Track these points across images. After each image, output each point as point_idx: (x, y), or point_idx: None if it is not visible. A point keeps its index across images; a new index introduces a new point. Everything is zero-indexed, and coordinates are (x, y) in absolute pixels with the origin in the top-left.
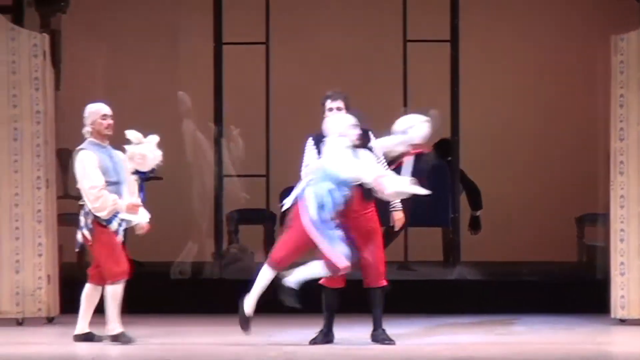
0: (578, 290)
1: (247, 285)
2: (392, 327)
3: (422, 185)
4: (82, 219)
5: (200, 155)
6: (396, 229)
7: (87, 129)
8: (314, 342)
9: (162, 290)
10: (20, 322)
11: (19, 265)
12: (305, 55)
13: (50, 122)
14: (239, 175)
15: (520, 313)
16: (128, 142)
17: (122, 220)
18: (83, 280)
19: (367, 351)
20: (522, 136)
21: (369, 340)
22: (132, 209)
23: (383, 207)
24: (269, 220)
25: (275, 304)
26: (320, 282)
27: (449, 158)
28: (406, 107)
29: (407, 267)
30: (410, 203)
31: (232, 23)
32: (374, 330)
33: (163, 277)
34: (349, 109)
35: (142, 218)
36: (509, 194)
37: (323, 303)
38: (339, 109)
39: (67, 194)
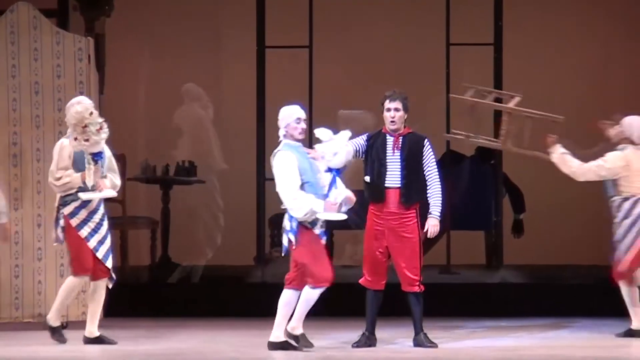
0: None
1: None
2: (434, 331)
3: (463, 188)
4: (286, 222)
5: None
6: (429, 235)
7: (282, 132)
8: (356, 345)
9: (204, 294)
10: (64, 326)
11: (63, 268)
12: (347, 58)
13: None
14: None
15: (564, 316)
16: (316, 140)
17: (323, 221)
18: (127, 284)
19: (409, 355)
20: (564, 138)
21: (411, 344)
22: (330, 208)
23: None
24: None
25: (320, 308)
26: (362, 284)
27: (492, 161)
28: (449, 111)
29: (448, 270)
30: (454, 207)
31: (275, 26)
32: (416, 334)
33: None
34: (407, 110)
35: (338, 217)
36: (551, 196)
37: (367, 305)
38: (396, 109)
39: (111, 198)
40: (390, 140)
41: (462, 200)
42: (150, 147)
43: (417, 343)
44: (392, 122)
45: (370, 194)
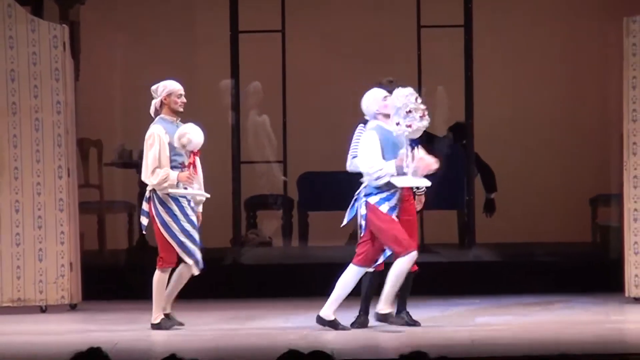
0: (592, 270)
1: (264, 271)
2: (410, 309)
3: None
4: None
5: (267, 143)
6: (417, 209)
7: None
8: (358, 324)
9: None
10: (43, 310)
11: (42, 253)
12: (320, 42)
13: (70, 112)
14: (256, 162)
15: (536, 293)
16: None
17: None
18: (104, 267)
19: (393, 333)
20: (535, 119)
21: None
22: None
23: None
24: (286, 205)
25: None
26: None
27: (464, 141)
28: (420, 92)
29: (429, 249)
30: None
31: (248, 11)
32: (397, 312)
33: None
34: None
35: (423, 182)
36: (523, 176)
37: (362, 286)
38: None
39: (88, 183)
40: None
41: (434, 180)
42: (126, 132)
43: (400, 321)
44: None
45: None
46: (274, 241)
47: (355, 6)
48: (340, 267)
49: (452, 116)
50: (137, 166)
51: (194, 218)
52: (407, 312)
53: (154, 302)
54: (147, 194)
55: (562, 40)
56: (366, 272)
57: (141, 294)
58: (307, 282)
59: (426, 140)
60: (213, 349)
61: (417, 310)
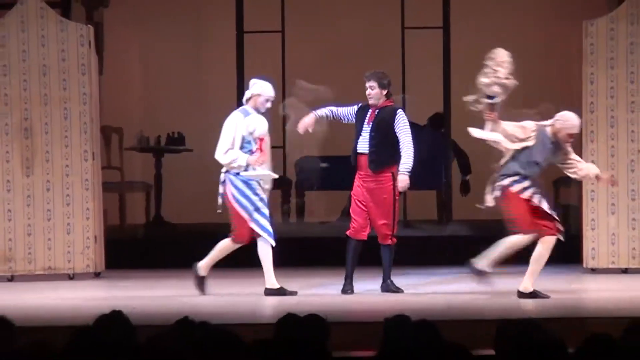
0: (555, 244)
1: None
2: (394, 278)
3: (417, 153)
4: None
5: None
6: (399, 190)
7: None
8: (345, 291)
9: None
10: (71, 277)
11: (70, 227)
12: (315, 41)
13: (95, 103)
14: None
15: (505, 264)
16: None
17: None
18: (125, 240)
19: (378, 299)
20: (506, 110)
21: (379, 290)
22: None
23: None
24: (285, 186)
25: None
26: (348, 233)
27: (442, 130)
28: (404, 87)
29: (411, 225)
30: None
31: (252, 13)
32: (383, 281)
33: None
34: (383, 86)
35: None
36: (494, 160)
37: (347, 255)
38: (372, 87)
39: (110, 165)
40: (369, 112)
41: (417, 164)
42: (144, 120)
43: (385, 289)
44: (369, 97)
45: (351, 158)
46: (275, 217)
47: (346, 10)
48: (333, 241)
49: (432, 108)
50: (154, 150)
51: (264, 196)
52: (392, 281)
53: (210, 257)
54: (221, 177)
55: (530, 41)
56: (351, 244)
57: (157, 263)
58: (304, 253)
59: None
60: (221, 312)
61: (400, 279)
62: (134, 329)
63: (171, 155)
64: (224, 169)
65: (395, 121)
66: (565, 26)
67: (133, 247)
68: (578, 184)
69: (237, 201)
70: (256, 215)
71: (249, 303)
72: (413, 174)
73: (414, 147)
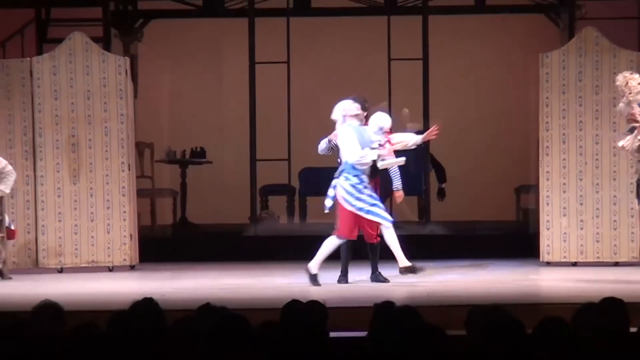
0: (516, 241)
1: (273, 241)
2: (381, 270)
3: (405, 165)
4: None
5: None
6: (397, 202)
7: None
8: (340, 282)
9: (212, 245)
10: (110, 269)
11: (109, 227)
12: (316, 70)
13: (130, 122)
14: (267, 159)
15: (475, 258)
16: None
17: None
18: (155, 238)
19: (368, 287)
20: (476, 128)
21: (369, 280)
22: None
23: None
24: (290, 192)
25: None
26: (341, 235)
27: (422, 145)
28: (390, 109)
29: (396, 225)
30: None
31: (262, 47)
32: (372, 273)
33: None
34: (365, 110)
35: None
36: (467, 171)
37: (341, 253)
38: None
39: (143, 175)
40: None
41: (401, 174)
42: (171, 137)
43: (373, 279)
44: (360, 119)
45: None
46: (281, 218)
47: (342, 44)
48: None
49: (414, 126)
50: (179, 162)
51: (371, 192)
52: (379, 272)
53: (319, 255)
54: (333, 182)
55: (496, 70)
56: (344, 244)
57: (182, 257)
58: (306, 249)
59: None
60: (237, 299)
61: (387, 271)
62: (163, 313)
63: (194, 167)
64: (336, 174)
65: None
66: (525, 58)
67: (162, 244)
68: (536, 191)
69: (349, 202)
70: (371, 209)
71: (258, 291)
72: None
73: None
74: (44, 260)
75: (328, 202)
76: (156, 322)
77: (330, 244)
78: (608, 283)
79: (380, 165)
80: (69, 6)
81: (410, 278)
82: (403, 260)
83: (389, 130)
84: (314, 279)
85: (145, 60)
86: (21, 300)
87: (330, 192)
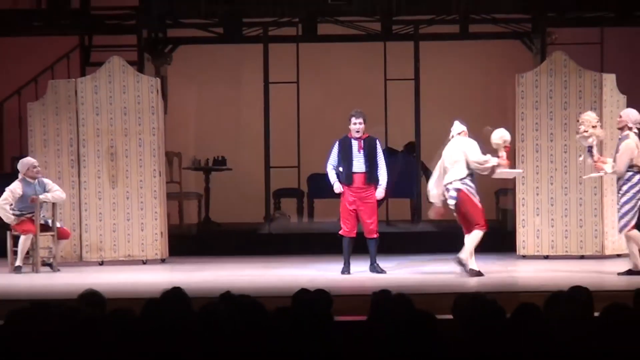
0: (496, 237)
1: (285, 237)
2: (379, 262)
3: (396, 171)
4: None
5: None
6: (378, 198)
7: None
8: (343, 273)
9: (232, 241)
10: (144, 262)
11: (143, 225)
12: (321, 89)
13: (161, 134)
14: (279, 167)
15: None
16: None
17: None
18: (183, 235)
19: (368, 277)
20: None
21: (368, 271)
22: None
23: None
24: (299, 195)
25: (305, 249)
26: (341, 233)
27: (414, 154)
28: (386, 125)
29: (391, 224)
30: (391, 183)
31: (275, 69)
32: (371, 265)
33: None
34: (366, 121)
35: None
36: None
37: (344, 248)
38: (360, 123)
39: (172, 180)
40: (355, 143)
41: (396, 179)
42: (197, 147)
43: (372, 270)
44: (357, 132)
45: (343, 178)
46: (292, 218)
47: (344, 66)
48: (335, 235)
49: (407, 138)
50: (204, 169)
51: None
52: (377, 264)
53: (467, 248)
54: (457, 185)
55: (479, 88)
56: (346, 240)
57: (206, 252)
58: (314, 245)
59: (391, 153)
60: (253, 288)
61: (383, 263)
62: (190, 300)
63: (216, 173)
64: (459, 177)
65: (377, 149)
66: (503, 78)
67: (189, 240)
68: (513, 194)
69: (469, 200)
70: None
71: (272, 281)
72: (393, 186)
73: (390, 166)
74: (87, 255)
75: (451, 202)
76: (184, 308)
77: (476, 237)
78: (575, 273)
79: (498, 173)
80: (108, 34)
81: (405, 269)
82: (465, 252)
83: (508, 145)
84: (464, 265)
85: (174, 80)
86: (68, 289)
87: (452, 193)
